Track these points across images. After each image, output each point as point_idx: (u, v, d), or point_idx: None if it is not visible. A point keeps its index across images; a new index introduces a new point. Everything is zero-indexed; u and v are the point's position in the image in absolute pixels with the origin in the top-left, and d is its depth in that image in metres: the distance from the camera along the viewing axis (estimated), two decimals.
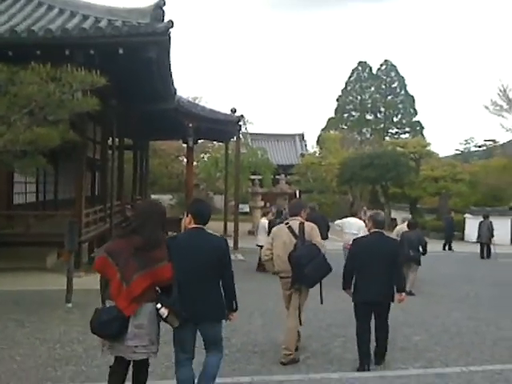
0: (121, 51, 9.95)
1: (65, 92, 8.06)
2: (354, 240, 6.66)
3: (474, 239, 22.33)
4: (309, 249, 6.10)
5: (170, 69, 12.65)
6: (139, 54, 10.21)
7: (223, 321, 4.60)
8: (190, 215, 4.58)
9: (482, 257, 19.09)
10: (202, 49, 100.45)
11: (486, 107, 31.09)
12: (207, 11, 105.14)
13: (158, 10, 10.12)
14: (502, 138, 40.89)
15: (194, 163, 39.15)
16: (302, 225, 6.29)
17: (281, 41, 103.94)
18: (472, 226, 23.90)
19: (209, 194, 37.65)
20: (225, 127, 19.30)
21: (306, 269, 5.94)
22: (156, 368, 5.40)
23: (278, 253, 6.31)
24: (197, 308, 4.30)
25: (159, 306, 4.10)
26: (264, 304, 9.32)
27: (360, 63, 59.99)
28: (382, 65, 59.97)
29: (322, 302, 6.36)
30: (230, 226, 20.33)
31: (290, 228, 6.32)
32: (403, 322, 8.16)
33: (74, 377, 5.56)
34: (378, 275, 6.00)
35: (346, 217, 12.30)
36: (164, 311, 4.10)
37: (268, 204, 23.47)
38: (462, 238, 24.52)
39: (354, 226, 11.06)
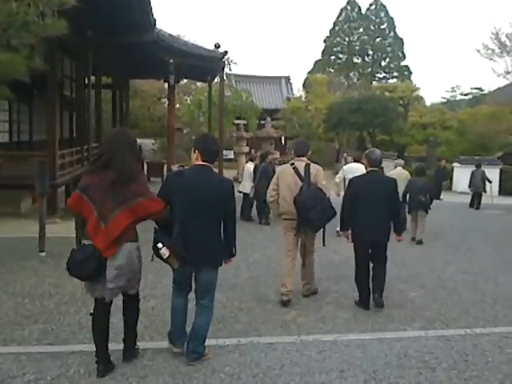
0: None
1: (29, 13, 7.10)
2: (350, 180, 6.57)
3: (462, 189, 22.08)
4: (315, 192, 5.99)
5: None
6: None
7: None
8: (196, 151, 4.31)
9: (472, 206, 18.76)
10: None
11: (478, 51, 30.17)
12: None
13: None
14: (491, 86, 40.35)
15: (177, 106, 38.14)
16: (307, 166, 6.13)
17: None
18: (460, 175, 23.59)
19: (192, 138, 36.72)
20: (208, 64, 18.26)
21: (311, 213, 5.86)
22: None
23: (283, 194, 6.20)
24: (197, 250, 4.13)
25: (160, 245, 3.96)
26: (250, 255, 8.83)
27: (349, 2, 58.21)
28: (371, 4, 58.30)
29: (324, 244, 6.40)
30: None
31: (295, 169, 6.16)
32: (397, 275, 7.71)
33: (41, 337, 5.02)
34: (374, 213, 5.97)
35: (346, 164, 11.72)
36: (165, 252, 3.96)
37: (253, 150, 22.70)
38: (449, 188, 24.12)
39: (358, 172, 10.02)
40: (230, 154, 28.25)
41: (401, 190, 9.00)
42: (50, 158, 10.97)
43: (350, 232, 6.21)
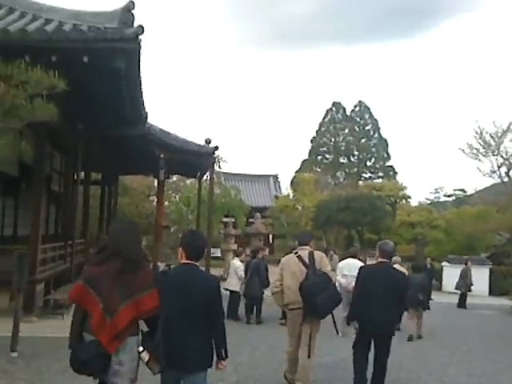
0: (86, 59, 8.94)
1: (17, 96, 6.98)
2: (360, 268, 6.54)
3: (452, 289, 21.72)
4: (320, 278, 6.02)
5: (140, 86, 11.78)
6: (106, 64, 9.26)
7: (209, 369, 4.08)
8: (181, 248, 4.13)
9: (459, 306, 18.41)
10: (173, 85, 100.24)
11: (462, 150, 30.78)
12: (179, 41, 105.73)
13: (127, 13, 9.23)
14: (476, 185, 40.99)
15: (166, 203, 38.15)
16: (311, 254, 6.23)
17: (254, 81, 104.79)
18: (450, 274, 23.29)
19: (179, 236, 36.33)
20: (199, 159, 18.34)
21: (318, 298, 5.83)
22: None
23: (288, 283, 6.21)
24: (182, 354, 3.89)
25: (141, 349, 3.77)
26: (237, 356, 8.21)
27: (334, 104, 60.33)
28: (355, 106, 60.45)
29: (338, 333, 6.58)
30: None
31: (299, 257, 6.23)
32: (396, 379, 7.21)
33: None
34: (382, 305, 5.85)
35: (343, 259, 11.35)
36: (145, 356, 3.76)
37: (240, 247, 22.32)
38: (439, 288, 23.68)
39: (356, 268, 9.81)
40: (217, 252, 27.82)
41: None
42: (31, 253, 10.55)
43: (356, 324, 6.14)
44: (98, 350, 3.66)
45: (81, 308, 3.84)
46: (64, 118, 13.52)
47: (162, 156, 17.37)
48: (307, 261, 6.17)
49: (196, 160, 18.74)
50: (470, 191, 43.34)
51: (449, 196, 46.74)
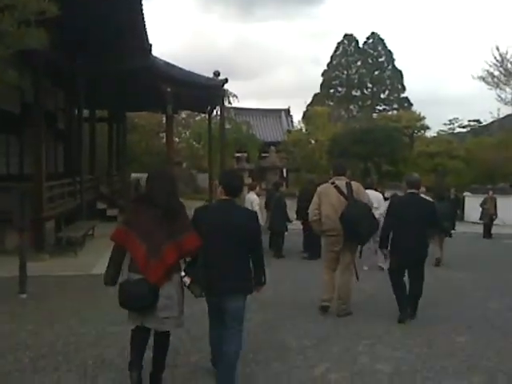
0: None
1: (2, 20, 6.16)
2: (391, 198, 7.19)
3: (475, 219, 21.08)
4: (361, 208, 6.22)
5: (142, 14, 10.87)
6: None
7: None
8: (221, 186, 4.46)
9: (485, 237, 17.84)
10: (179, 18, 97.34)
11: (482, 78, 29.41)
12: None
13: None
14: (488, 117, 39.60)
15: (176, 139, 37.39)
16: (349, 184, 6.39)
17: (267, 14, 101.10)
18: (472, 204, 22.57)
19: (192, 172, 35.83)
20: (208, 92, 17.41)
21: (361, 228, 6.12)
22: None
23: (327, 212, 6.38)
24: (222, 280, 4.18)
25: (183, 273, 4.12)
26: (261, 293, 7.64)
27: (346, 36, 57.98)
28: (368, 38, 58.03)
29: (360, 256, 7.25)
30: None
31: (337, 187, 6.38)
32: (435, 315, 6.69)
33: None
34: (414, 233, 6.24)
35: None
36: (187, 280, 4.11)
37: (255, 182, 21.63)
38: (462, 219, 22.94)
39: (375, 199, 9.36)
40: None
41: None
42: (36, 190, 9.97)
43: (388, 250, 6.52)
44: (150, 286, 3.89)
45: (121, 249, 4.08)
46: (62, 52, 12.73)
47: (168, 90, 16.52)
48: (345, 191, 6.34)
49: (205, 94, 17.84)
50: (484, 122, 42.34)
51: (464, 127, 45.58)
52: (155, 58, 15.65)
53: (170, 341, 4.34)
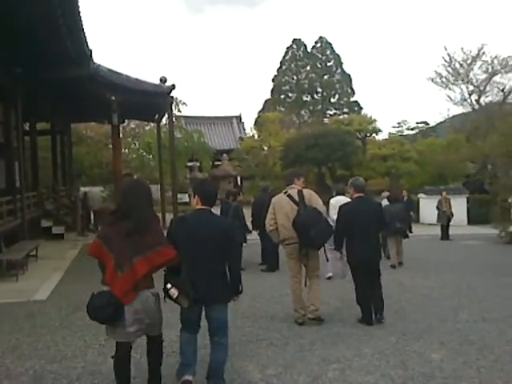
0: None
1: None
2: (340, 206, 6.97)
3: (430, 221, 21.05)
4: (311, 213, 6.30)
5: (80, 20, 10.23)
6: None
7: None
8: (196, 196, 4.55)
9: (443, 238, 17.75)
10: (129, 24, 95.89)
11: (431, 79, 29.78)
12: None
13: None
14: (434, 119, 40.57)
15: (125, 151, 36.32)
16: (300, 192, 6.54)
17: (213, 18, 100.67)
18: (427, 206, 22.59)
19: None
20: (154, 100, 16.77)
21: (311, 232, 6.13)
22: None
23: (282, 222, 6.51)
24: (205, 290, 4.23)
25: (169, 286, 4.12)
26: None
27: (294, 40, 58.16)
28: (316, 42, 58.42)
29: (327, 259, 7.24)
30: (169, 218, 17.60)
31: (289, 196, 6.54)
32: (405, 330, 6.22)
33: None
34: (366, 236, 6.50)
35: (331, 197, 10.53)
36: (174, 291, 4.12)
37: None
38: (417, 221, 22.87)
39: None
40: (185, 198, 26.46)
41: None
42: None
43: (344, 252, 6.89)
44: (111, 299, 3.91)
45: (100, 262, 4.13)
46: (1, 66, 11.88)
47: (113, 98, 15.88)
48: (297, 199, 6.45)
49: (152, 101, 17.20)
50: (433, 123, 43.12)
51: (412, 129, 46.29)
52: (99, 65, 14.95)
53: None
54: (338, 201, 9.15)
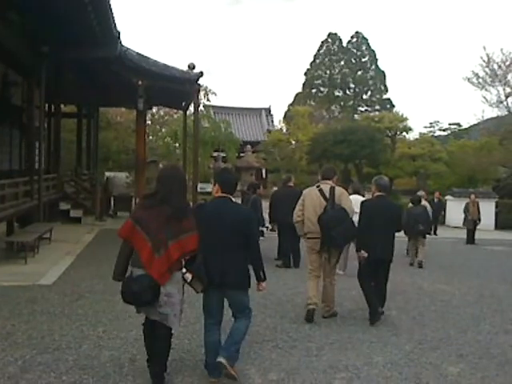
0: None
1: None
2: (362, 203, 6.98)
3: (456, 223, 20.45)
4: (338, 212, 6.31)
5: (106, 1, 9.97)
6: None
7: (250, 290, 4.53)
8: (217, 184, 4.60)
9: (468, 242, 17.15)
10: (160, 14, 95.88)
11: (468, 79, 28.93)
12: None
13: None
14: (468, 120, 39.62)
15: (152, 138, 36.28)
16: (332, 189, 6.48)
17: (250, 10, 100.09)
18: (454, 208, 21.98)
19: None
20: (181, 87, 16.41)
21: (333, 231, 6.18)
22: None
23: (308, 215, 6.52)
24: (222, 275, 4.30)
25: (184, 270, 4.17)
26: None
27: (330, 35, 57.45)
28: (352, 37, 57.64)
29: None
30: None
31: (320, 191, 6.52)
32: (421, 339, 5.83)
33: None
34: (382, 235, 6.52)
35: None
36: (188, 275, 4.18)
37: None
38: (443, 222, 22.27)
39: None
40: (208, 187, 26.26)
41: None
42: None
43: (365, 254, 6.55)
44: (150, 282, 3.98)
45: (129, 244, 4.16)
46: (24, 39, 11.74)
47: (140, 83, 15.61)
48: (327, 195, 6.42)
49: (179, 88, 16.82)
50: (467, 124, 42.16)
51: (444, 130, 45.34)
52: (127, 48, 14.75)
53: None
54: (354, 200, 8.82)
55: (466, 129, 42.79)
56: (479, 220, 17.91)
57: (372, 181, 7.12)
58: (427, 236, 12.24)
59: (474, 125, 39.38)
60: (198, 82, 16.97)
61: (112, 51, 13.37)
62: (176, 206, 4.11)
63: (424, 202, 13.21)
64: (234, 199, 4.62)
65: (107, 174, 26.19)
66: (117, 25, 12.69)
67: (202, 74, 16.72)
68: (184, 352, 5.10)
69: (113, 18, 11.98)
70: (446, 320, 6.83)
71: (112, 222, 16.25)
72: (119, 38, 13.36)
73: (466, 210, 17.87)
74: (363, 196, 10.17)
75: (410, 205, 12.40)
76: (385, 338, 5.85)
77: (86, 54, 13.33)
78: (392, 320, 6.65)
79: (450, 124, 45.28)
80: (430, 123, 43.59)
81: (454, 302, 7.99)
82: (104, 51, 13.33)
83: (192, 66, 16.60)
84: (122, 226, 4.25)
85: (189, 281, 4.19)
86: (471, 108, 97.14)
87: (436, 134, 44.35)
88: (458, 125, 45.08)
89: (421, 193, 13.82)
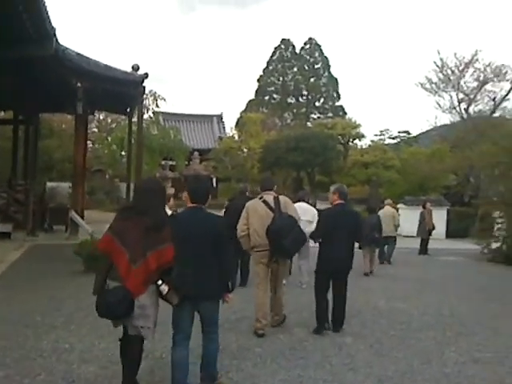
0: None
1: None
2: (322, 211, 7.20)
3: (408, 232, 20.11)
4: (287, 221, 6.24)
5: None
6: None
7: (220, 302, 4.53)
8: (187, 193, 4.54)
9: (421, 252, 16.84)
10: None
11: (420, 84, 29.02)
12: None
13: None
14: (418, 128, 39.91)
15: (97, 146, 34.94)
16: (276, 198, 6.44)
17: (204, 18, 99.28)
18: (406, 217, 21.64)
19: (115, 181, 33.47)
20: (126, 89, 15.54)
21: (285, 241, 6.09)
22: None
23: (255, 227, 6.35)
24: (196, 286, 4.28)
25: (160, 282, 4.09)
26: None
27: (283, 41, 57.19)
28: (305, 43, 57.49)
29: (289, 273, 7.98)
30: None
31: (265, 202, 6.41)
32: (380, 374, 5.08)
33: None
34: (341, 244, 6.49)
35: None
36: (164, 287, 4.10)
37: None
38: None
39: (309, 213, 9.37)
40: None
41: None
42: None
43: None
44: (125, 294, 3.92)
45: (107, 258, 4.11)
46: None
47: (79, 85, 14.64)
48: (273, 205, 6.32)
49: (123, 90, 15.93)
50: (416, 132, 42.50)
51: (393, 138, 45.62)
52: (66, 48, 13.80)
53: None
54: (299, 207, 8.38)
55: (414, 137, 43.21)
56: (433, 229, 17.60)
57: (331, 189, 6.97)
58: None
59: (427, 131, 39.71)
60: (143, 83, 16.12)
61: (47, 49, 12.42)
62: (155, 219, 4.08)
63: (392, 210, 13.98)
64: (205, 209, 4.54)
65: (49, 184, 24.75)
66: (51, 20, 11.75)
67: (146, 75, 15.88)
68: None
69: (46, 11, 11.06)
70: (407, 347, 6.13)
71: (45, 237, 15.08)
72: (55, 35, 12.40)
73: (422, 219, 17.49)
74: (308, 203, 9.98)
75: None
76: (340, 375, 5.06)
77: (16, 53, 12.29)
78: (348, 350, 5.89)
79: (399, 132, 45.61)
80: (381, 131, 43.72)
81: (413, 324, 7.32)
82: (38, 49, 12.36)
83: (136, 68, 15.75)
84: (101, 239, 4.25)
85: (165, 293, 4.11)
86: (424, 114, 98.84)
87: (386, 142, 44.66)
88: (408, 133, 45.42)
89: (388, 201, 14.19)
